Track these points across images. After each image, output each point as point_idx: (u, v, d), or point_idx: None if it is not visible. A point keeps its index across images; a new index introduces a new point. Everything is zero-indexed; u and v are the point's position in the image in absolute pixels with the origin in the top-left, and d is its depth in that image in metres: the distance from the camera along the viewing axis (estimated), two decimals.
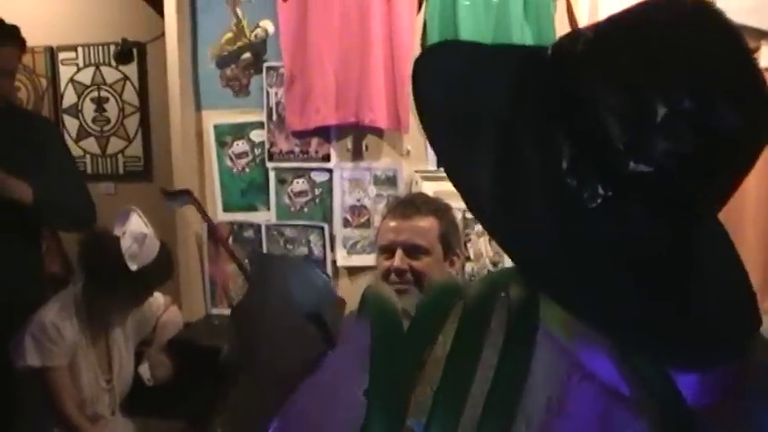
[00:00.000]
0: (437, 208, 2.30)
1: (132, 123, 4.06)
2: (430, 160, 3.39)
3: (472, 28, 3.15)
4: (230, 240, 3.65)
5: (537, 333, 0.80)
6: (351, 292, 3.52)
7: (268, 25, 3.55)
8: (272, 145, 3.58)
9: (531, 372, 0.79)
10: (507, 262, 3.16)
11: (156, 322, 2.99)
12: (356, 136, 3.48)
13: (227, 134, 3.65)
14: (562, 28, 3.15)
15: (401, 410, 0.80)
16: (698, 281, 0.79)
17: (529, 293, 0.81)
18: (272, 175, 3.60)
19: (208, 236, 3.66)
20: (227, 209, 3.69)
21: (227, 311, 3.63)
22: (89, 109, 4.10)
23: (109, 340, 2.82)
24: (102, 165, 4.11)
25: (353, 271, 3.55)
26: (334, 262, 3.55)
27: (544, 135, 0.77)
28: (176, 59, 3.53)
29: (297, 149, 3.55)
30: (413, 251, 2.20)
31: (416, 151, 3.41)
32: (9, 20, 2.88)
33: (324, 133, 3.50)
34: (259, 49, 3.58)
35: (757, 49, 2.83)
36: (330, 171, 3.53)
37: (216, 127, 3.66)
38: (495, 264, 3.30)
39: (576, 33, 0.81)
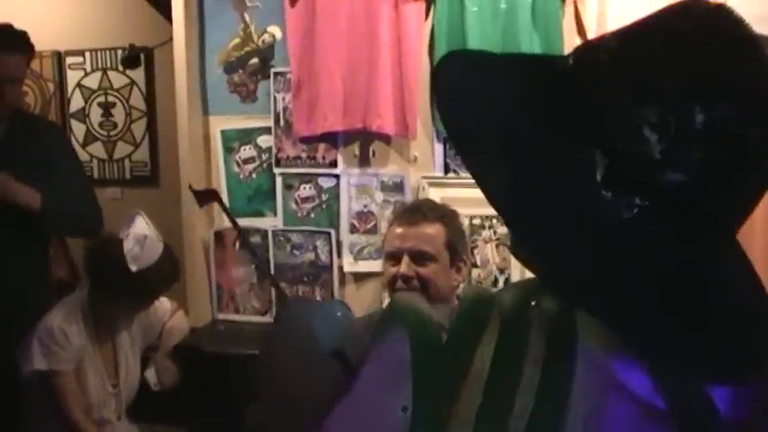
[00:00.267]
0: (444, 214, 2.30)
1: (139, 128, 4.06)
2: (437, 166, 3.39)
3: (480, 34, 3.15)
4: (237, 246, 3.66)
5: (576, 349, 0.79)
6: (357, 299, 3.52)
7: (275, 31, 3.56)
8: (279, 150, 3.58)
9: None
10: (514, 269, 3.15)
11: (162, 327, 2.99)
12: (363, 142, 3.48)
13: (235, 140, 3.65)
14: (570, 35, 3.15)
15: (446, 423, 0.79)
16: (725, 296, 0.79)
17: (564, 307, 0.80)
18: (278, 180, 3.60)
19: (215, 241, 3.67)
20: (233, 214, 3.68)
21: (233, 317, 3.64)
22: (96, 114, 4.10)
23: (115, 345, 2.82)
24: (109, 170, 4.11)
25: (360, 277, 3.55)
26: (340, 268, 3.55)
27: (572, 149, 0.76)
28: (184, 64, 3.54)
29: (304, 155, 3.55)
30: (419, 258, 2.20)
31: (423, 157, 3.40)
32: (17, 24, 2.89)
33: (331, 139, 3.50)
34: (266, 54, 3.58)
35: None
36: (337, 177, 3.53)
37: (223, 132, 3.66)
38: (501, 270, 3.29)
39: (595, 43, 0.81)
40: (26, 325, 2.66)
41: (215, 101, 3.66)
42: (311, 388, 0.95)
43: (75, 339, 2.65)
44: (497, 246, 3.28)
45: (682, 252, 0.76)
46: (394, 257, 2.22)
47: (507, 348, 0.81)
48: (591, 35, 3.06)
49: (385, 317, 0.94)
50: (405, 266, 2.19)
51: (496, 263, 3.30)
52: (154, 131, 4.05)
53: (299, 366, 0.96)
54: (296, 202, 3.60)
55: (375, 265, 3.39)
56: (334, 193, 3.54)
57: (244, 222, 3.65)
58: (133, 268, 2.58)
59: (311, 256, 3.57)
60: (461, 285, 2.34)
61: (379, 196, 3.47)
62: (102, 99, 4.08)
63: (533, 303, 0.83)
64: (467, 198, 3.06)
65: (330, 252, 3.54)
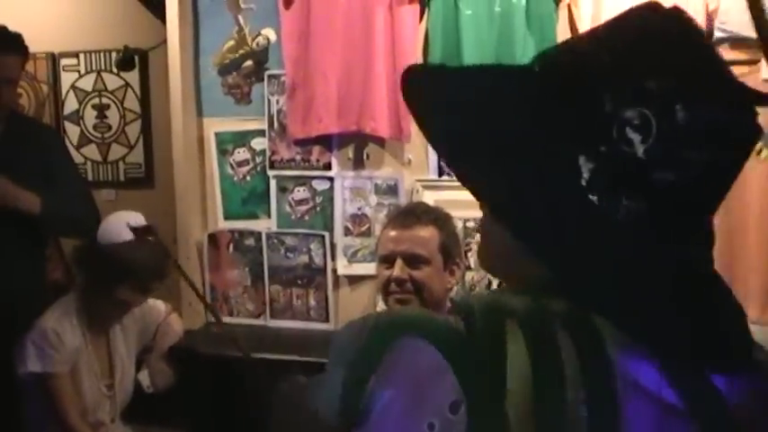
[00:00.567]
0: (437, 217, 2.29)
1: (133, 130, 4.05)
2: (431, 169, 3.39)
3: (475, 38, 3.16)
4: (231, 248, 3.66)
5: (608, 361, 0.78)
6: (351, 301, 3.52)
7: (270, 33, 3.56)
8: (273, 153, 3.58)
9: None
10: None
11: (156, 329, 2.98)
12: (358, 144, 3.49)
13: (229, 142, 3.66)
14: (564, 38, 3.16)
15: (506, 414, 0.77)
16: (725, 295, 0.82)
17: (582, 315, 0.79)
18: (273, 183, 3.61)
19: (208, 243, 3.67)
20: (227, 217, 3.69)
21: (227, 319, 3.63)
22: (90, 116, 4.09)
23: (110, 347, 2.82)
24: (104, 171, 4.11)
25: (354, 280, 3.56)
26: (334, 270, 3.55)
27: (565, 156, 0.77)
28: (178, 67, 3.54)
29: (298, 157, 3.56)
30: (413, 261, 2.19)
31: (418, 160, 3.41)
32: (10, 26, 2.88)
33: (325, 142, 3.51)
34: (261, 57, 3.59)
35: (757, 61, 2.84)
36: (331, 179, 3.53)
37: (217, 134, 3.66)
38: None
39: (562, 48, 0.82)
40: (22, 327, 2.65)
41: (209, 103, 3.66)
42: None
43: (69, 341, 2.64)
44: None
45: (680, 252, 0.77)
46: (388, 260, 2.22)
47: (545, 373, 0.77)
48: None
49: (394, 328, 0.87)
50: (398, 269, 2.18)
51: None
52: (148, 133, 4.05)
53: None
54: (290, 205, 3.60)
55: (369, 268, 3.40)
56: (329, 195, 3.55)
57: (238, 225, 3.66)
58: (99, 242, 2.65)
59: (305, 258, 3.57)
60: (455, 288, 2.35)
61: (374, 199, 3.48)
62: (96, 101, 4.07)
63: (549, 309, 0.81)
64: (461, 201, 3.02)
65: (324, 255, 3.54)
